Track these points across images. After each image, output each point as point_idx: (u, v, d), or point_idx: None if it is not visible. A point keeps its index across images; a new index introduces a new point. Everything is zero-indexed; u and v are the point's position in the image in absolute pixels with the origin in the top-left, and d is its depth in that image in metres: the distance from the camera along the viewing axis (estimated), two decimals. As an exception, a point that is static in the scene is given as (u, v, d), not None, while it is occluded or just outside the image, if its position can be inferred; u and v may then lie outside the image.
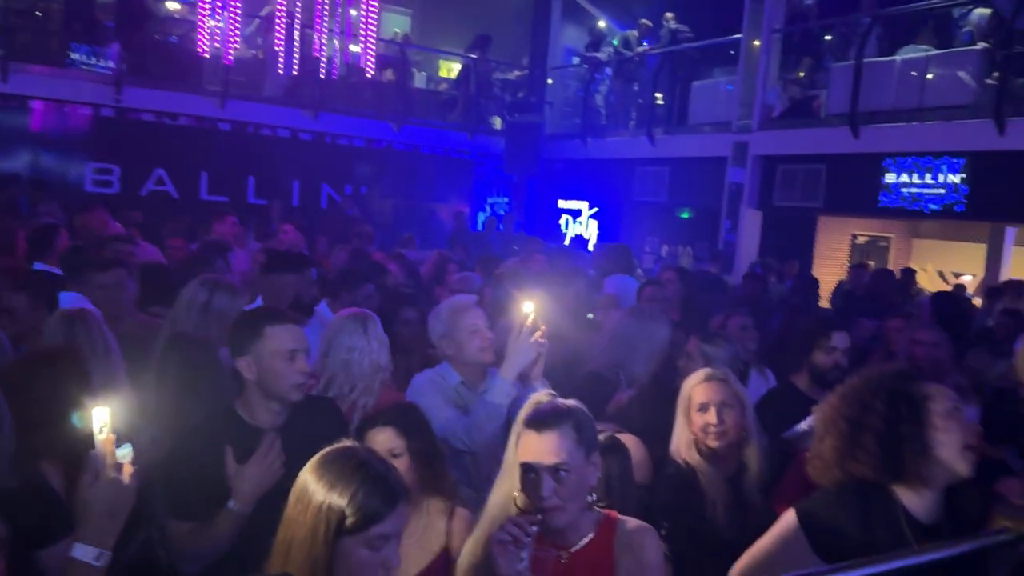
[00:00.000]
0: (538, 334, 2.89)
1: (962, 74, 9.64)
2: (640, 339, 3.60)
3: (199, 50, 11.70)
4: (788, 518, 1.94)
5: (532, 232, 12.96)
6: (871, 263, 12.14)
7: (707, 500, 2.52)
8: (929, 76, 9.99)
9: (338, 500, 1.52)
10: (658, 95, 13.69)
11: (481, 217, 14.94)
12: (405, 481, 1.68)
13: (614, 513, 1.97)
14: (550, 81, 15.85)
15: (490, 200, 15.52)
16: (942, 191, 9.82)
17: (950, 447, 1.82)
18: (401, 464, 2.21)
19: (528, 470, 1.86)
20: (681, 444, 2.68)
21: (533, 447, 1.87)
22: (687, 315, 5.84)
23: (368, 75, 12.92)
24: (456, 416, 2.94)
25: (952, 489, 1.88)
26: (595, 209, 14.56)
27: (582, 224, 14.61)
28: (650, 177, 13.65)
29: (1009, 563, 1.95)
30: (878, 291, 8.01)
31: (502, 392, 2.86)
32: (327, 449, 1.64)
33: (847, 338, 3.85)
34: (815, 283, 8.91)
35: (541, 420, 1.90)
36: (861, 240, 13.41)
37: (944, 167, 9.79)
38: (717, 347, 3.63)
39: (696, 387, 2.73)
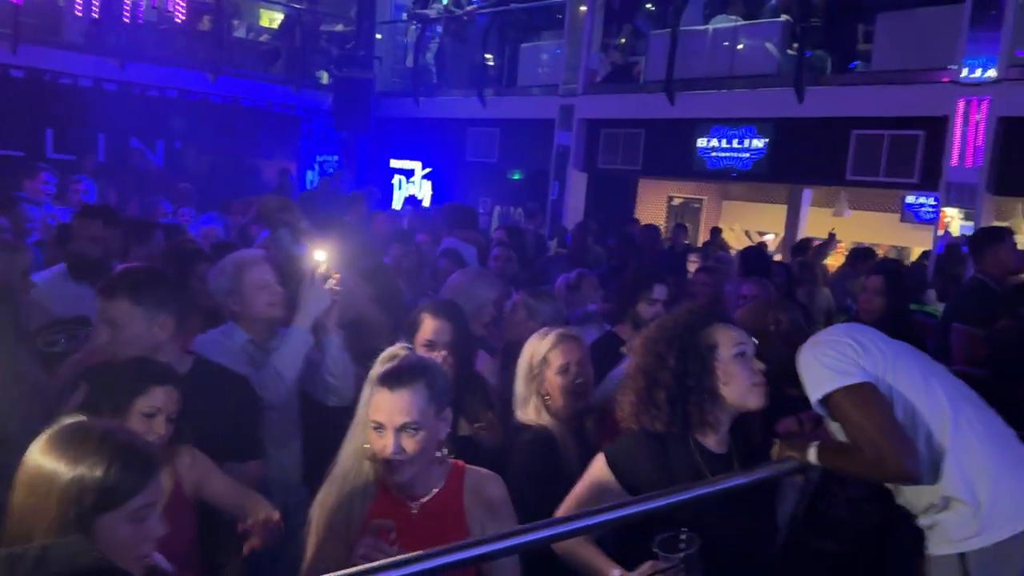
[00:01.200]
0: (331, 282, 2.85)
1: (768, 45, 10.36)
2: (468, 298, 3.63)
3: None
4: (599, 461, 2.07)
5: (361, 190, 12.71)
6: (687, 224, 12.92)
7: (564, 461, 2.55)
8: (739, 46, 10.65)
9: (90, 477, 1.41)
10: (488, 56, 13.74)
11: (310, 176, 14.48)
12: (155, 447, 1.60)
13: (461, 463, 2.01)
14: (379, 36, 15.48)
15: (320, 158, 15.05)
16: (747, 155, 10.56)
17: (737, 389, 2.00)
18: (162, 424, 2.16)
19: (378, 427, 1.87)
20: (530, 408, 2.67)
21: (385, 405, 1.87)
22: (520, 273, 6.00)
23: (178, 20, 12.05)
24: (246, 371, 2.84)
25: (740, 418, 2.07)
26: (428, 169, 14.50)
27: (415, 184, 14.51)
28: (482, 138, 13.73)
29: (796, 488, 2.18)
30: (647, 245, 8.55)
31: (297, 341, 2.81)
32: (56, 427, 1.50)
33: (666, 290, 4.12)
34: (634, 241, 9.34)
35: (394, 377, 1.89)
36: (677, 202, 14.21)
37: (750, 133, 10.52)
38: (541, 302, 3.75)
39: (553, 350, 2.70)
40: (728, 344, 2.02)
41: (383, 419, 1.86)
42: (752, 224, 14.41)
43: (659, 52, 10.99)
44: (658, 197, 14.10)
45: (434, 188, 14.30)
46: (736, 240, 13.38)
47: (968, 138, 8.37)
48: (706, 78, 10.64)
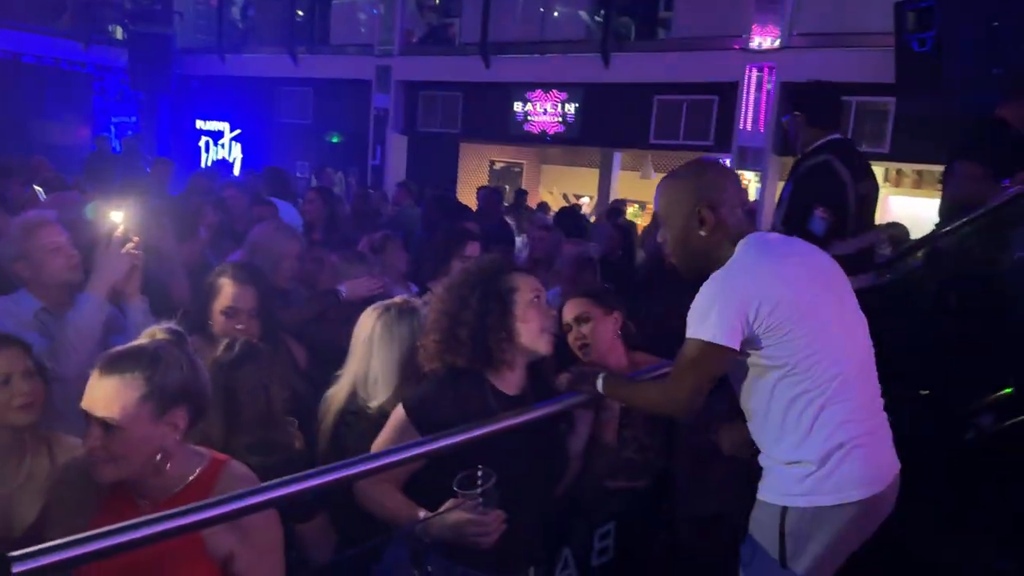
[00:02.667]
0: (130, 245, 2.67)
1: (582, 13, 10.64)
2: (267, 251, 3.52)
3: None
4: (398, 411, 2.08)
5: (166, 153, 11.94)
6: (507, 187, 13.14)
7: None
8: (556, 14, 10.86)
9: None
10: (299, 11, 13.21)
11: (103, 139, 13.38)
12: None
13: (222, 457, 1.80)
14: (180, -11, 14.49)
15: (116, 119, 13.95)
16: (560, 120, 10.85)
17: (530, 333, 2.08)
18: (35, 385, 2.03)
19: (86, 413, 1.66)
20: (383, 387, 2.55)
21: (91, 392, 1.66)
22: (329, 234, 5.90)
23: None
24: (39, 342, 2.63)
25: (535, 364, 2.18)
26: (238, 131, 13.81)
27: (224, 147, 13.79)
28: (295, 98, 13.23)
29: (587, 423, 2.32)
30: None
31: (91, 309, 2.62)
32: None
33: (479, 247, 4.21)
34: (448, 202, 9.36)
35: (108, 363, 1.67)
36: (498, 166, 14.40)
37: (563, 98, 10.79)
38: (351, 265, 3.72)
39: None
40: (526, 289, 2.10)
41: (86, 406, 1.65)
42: (569, 187, 14.86)
43: (474, 14, 11.00)
44: (480, 161, 14.22)
45: (244, 151, 13.66)
46: (555, 203, 13.78)
47: (756, 103, 9.02)
48: (520, 42, 10.79)
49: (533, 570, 2.14)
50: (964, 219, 3.44)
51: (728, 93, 9.25)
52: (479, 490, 1.78)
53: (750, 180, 9.98)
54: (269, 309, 2.93)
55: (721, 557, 2.76)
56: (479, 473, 1.80)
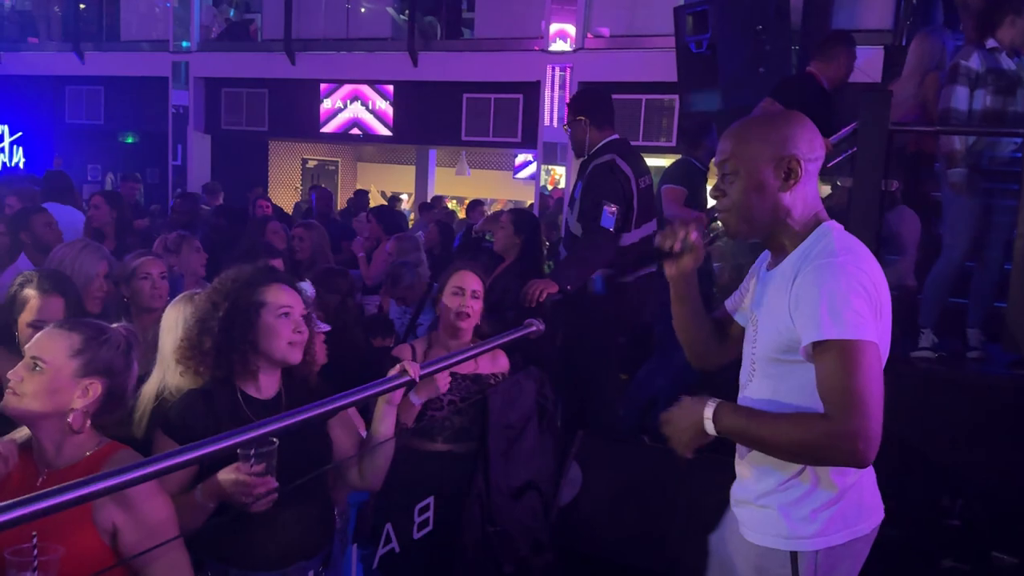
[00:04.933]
0: None
1: (389, 9, 10.64)
2: (76, 272, 3.31)
3: None
4: (159, 435, 2.07)
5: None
6: (323, 185, 12.91)
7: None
8: (362, 10, 10.80)
9: None
10: (81, 4, 12.31)
11: None
12: None
13: (118, 445, 1.88)
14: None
15: None
16: (372, 117, 10.82)
17: (275, 346, 2.10)
18: None
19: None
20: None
21: (38, 337, 1.83)
22: (121, 238, 5.63)
23: None
24: None
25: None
26: (19, 134, 12.67)
27: (3, 151, 12.60)
28: (83, 97, 12.32)
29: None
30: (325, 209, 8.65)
31: None
32: None
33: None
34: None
35: (64, 321, 1.89)
36: (312, 164, 14.12)
37: (374, 95, 10.77)
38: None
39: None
40: (275, 304, 2.12)
41: (29, 346, 1.82)
42: (387, 185, 14.84)
43: (275, 10, 10.74)
44: (292, 160, 13.88)
45: (28, 154, 12.56)
46: (375, 201, 13.71)
47: (559, 101, 9.45)
48: (325, 39, 10.65)
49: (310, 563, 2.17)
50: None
51: (532, 91, 9.62)
52: (252, 450, 1.84)
53: (560, 175, 10.46)
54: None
55: (530, 522, 2.97)
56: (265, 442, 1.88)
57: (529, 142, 9.90)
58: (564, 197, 9.32)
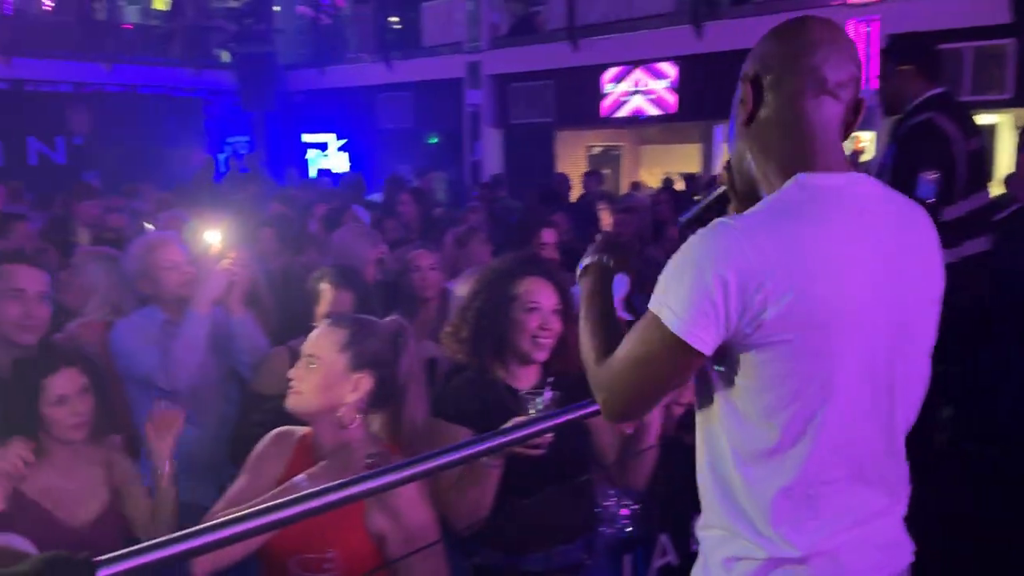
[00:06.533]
0: (226, 261, 2.82)
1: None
2: (348, 257, 3.63)
3: None
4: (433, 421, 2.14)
5: (276, 170, 12.48)
6: (606, 171, 12.97)
7: None
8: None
9: None
10: (392, 18, 13.51)
11: (222, 159, 14.13)
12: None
13: (393, 448, 1.95)
14: (277, 8, 15.08)
15: (231, 140, 14.68)
16: (654, 97, 10.62)
17: (522, 339, 2.10)
18: (86, 404, 2.17)
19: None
20: None
21: (311, 335, 1.95)
22: (426, 233, 6.03)
23: (45, 8, 11.58)
24: (159, 355, 2.82)
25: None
26: (344, 140, 14.26)
27: (329, 157, 14.26)
28: (393, 103, 13.54)
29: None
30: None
31: (193, 325, 2.78)
32: None
33: (555, 233, 4.25)
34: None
35: (334, 317, 1.99)
36: (596, 151, 14.24)
37: (655, 74, 10.56)
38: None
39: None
40: (525, 298, 2.11)
41: (304, 346, 1.93)
42: (671, 166, 14.50)
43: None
44: (577, 148, 14.10)
45: (351, 159, 14.09)
46: (656, 184, 13.51)
47: (865, 60, 8.53)
48: (607, 22, 10.63)
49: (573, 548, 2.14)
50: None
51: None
52: (535, 402, 1.85)
53: (867, 141, 9.47)
54: (370, 311, 3.03)
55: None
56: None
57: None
58: (870, 166, 8.44)
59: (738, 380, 1.28)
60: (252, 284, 3.46)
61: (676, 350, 1.24)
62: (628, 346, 1.33)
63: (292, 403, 1.88)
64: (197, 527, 1.39)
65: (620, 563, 2.33)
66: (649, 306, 1.29)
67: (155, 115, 13.42)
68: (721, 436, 1.32)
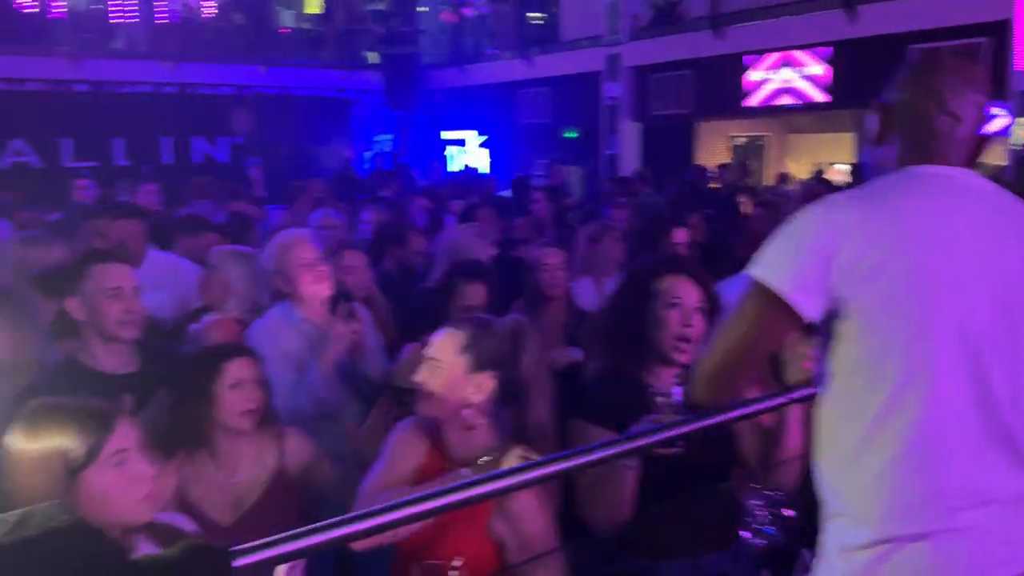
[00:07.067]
0: (354, 326, 2.89)
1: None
2: (461, 255, 3.64)
3: (34, 8, 10.96)
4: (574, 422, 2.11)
5: (419, 167, 12.83)
6: (750, 162, 12.51)
7: None
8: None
9: (57, 442, 1.56)
10: (531, 14, 13.58)
11: (368, 157, 14.69)
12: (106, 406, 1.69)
13: (521, 448, 1.94)
14: (423, 9, 15.49)
15: (376, 138, 15.23)
16: (805, 84, 10.13)
17: (663, 339, 2.02)
18: (258, 393, 2.27)
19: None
20: None
21: (434, 339, 1.97)
22: (559, 231, 6.01)
23: (205, 16, 12.36)
24: (288, 371, 2.87)
25: None
26: (484, 137, 14.48)
27: (469, 154, 14.51)
28: (532, 99, 13.62)
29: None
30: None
31: (319, 380, 2.80)
32: (21, 412, 1.65)
33: (686, 233, 4.11)
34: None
35: (455, 321, 2.01)
36: (739, 141, 13.76)
37: (805, 60, 10.07)
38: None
39: None
40: (667, 294, 2.04)
41: (428, 350, 1.96)
42: (821, 157, 13.81)
43: (702, -14, 10.64)
44: (718, 139, 13.67)
45: (490, 155, 14.28)
46: (807, 176, 12.88)
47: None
48: (752, 8, 10.23)
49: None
50: None
51: (999, 32, 8.08)
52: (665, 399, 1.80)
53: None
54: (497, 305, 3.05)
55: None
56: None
57: (997, 92, 8.34)
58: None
59: (841, 351, 1.31)
60: (366, 287, 3.57)
61: (775, 313, 1.29)
62: (727, 316, 1.39)
63: (422, 406, 1.92)
64: (329, 521, 1.42)
65: None
66: (751, 272, 1.33)
67: (307, 115, 14.11)
68: (828, 416, 1.35)
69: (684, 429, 1.70)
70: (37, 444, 1.56)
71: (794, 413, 2.02)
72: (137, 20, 12.23)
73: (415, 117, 15.02)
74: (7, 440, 1.60)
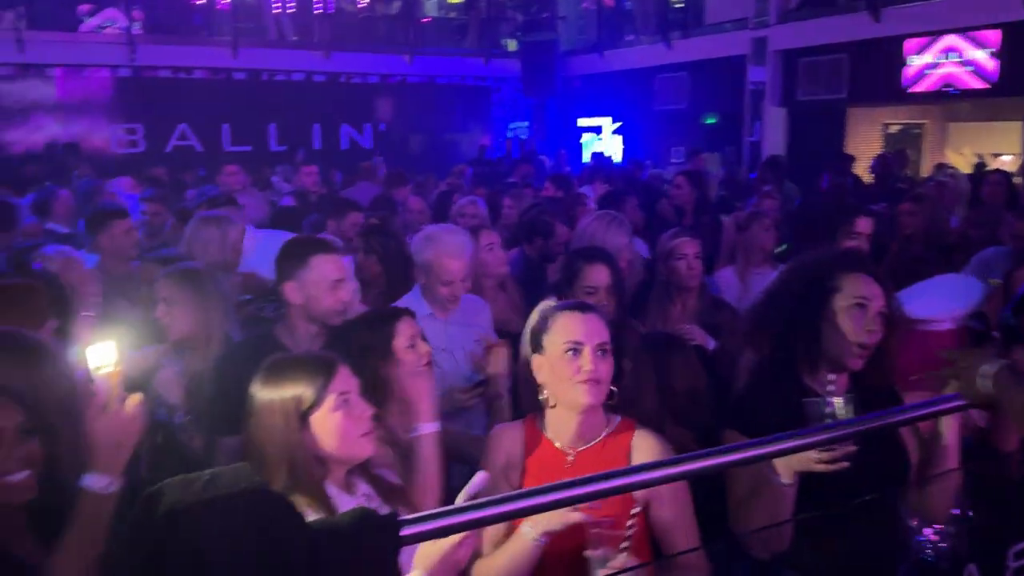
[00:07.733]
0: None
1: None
2: (601, 243, 3.58)
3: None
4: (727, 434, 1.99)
5: (552, 154, 12.84)
6: (907, 152, 11.78)
7: None
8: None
9: (290, 390, 1.78)
10: (673, -2, 13.31)
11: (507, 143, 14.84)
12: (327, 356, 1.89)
13: (631, 423, 1.94)
14: (561, -5, 15.45)
15: (512, 125, 15.36)
16: (971, 69, 9.43)
17: (838, 341, 1.87)
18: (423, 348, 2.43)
19: (575, 348, 1.83)
20: None
21: (587, 325, 1.87)
22: (699, 218, 5.86)
23: (361, 5, 12.78)
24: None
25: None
26: (618, 124, 14.32)
27: (604, 140, 14.39)
28: (670, 83, 13.34)
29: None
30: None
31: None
32: (262, 365, 1.86)
33: (871, 223, 3.91)
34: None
35: (578, 305, 1.96)
36: (893, 129, 12.98)
37: (971, 43, 9.36)
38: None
39: None
40: (850, 293, 1.87)
41: (582, 338, 1.83)
42: (984, 147, 12.83)
43: (858, -34, 10.08)
44: (870, 126, 12.94)
45: (624, 142, 14.11)
46: (968, 167, 12.00)
47: None
48: (915, -13, 9.62)
49: None
50: None
51: None
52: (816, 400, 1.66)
53: None
54: (621, 288, 3.02)
55: None
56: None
57: None
58: None
59: None
60: (500, 269, 3.60)
61: None
62: None
63: (597, 395, 1.84)
64: (492, 497, 1.45)
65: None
66: None
67: (448, 103, 14.42)
68: None
69: (837, 434, 1.61)
70: (275, 393, 1.78)
71: (952, 425, 1.88)
72: (294, 11, 12.82)
73: (552, 104, 15.04)
74: (251, 390, 1.82)
